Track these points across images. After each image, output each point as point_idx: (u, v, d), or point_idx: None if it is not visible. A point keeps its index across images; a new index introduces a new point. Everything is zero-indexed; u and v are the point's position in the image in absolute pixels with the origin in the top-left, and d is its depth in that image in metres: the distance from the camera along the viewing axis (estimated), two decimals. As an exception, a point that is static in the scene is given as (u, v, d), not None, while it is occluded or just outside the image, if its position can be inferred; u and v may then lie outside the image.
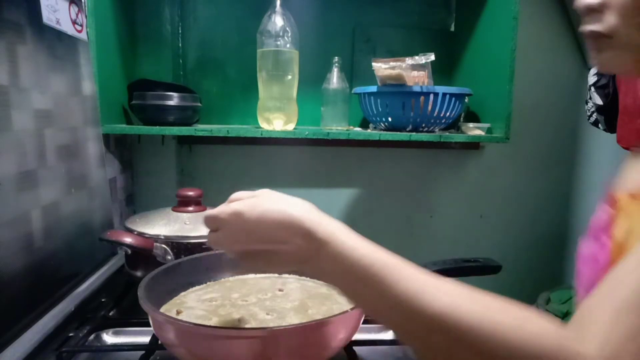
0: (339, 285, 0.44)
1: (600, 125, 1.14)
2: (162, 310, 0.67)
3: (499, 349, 0.35)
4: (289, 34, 1.11)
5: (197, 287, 0.76)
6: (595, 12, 0.47)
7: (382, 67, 1.17)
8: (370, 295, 0.41)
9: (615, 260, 0.43)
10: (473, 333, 0.35)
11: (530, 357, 0.34)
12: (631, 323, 0.33)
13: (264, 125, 1.18)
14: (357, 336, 0.66)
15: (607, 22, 0.46)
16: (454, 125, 1.35)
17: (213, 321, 0.65)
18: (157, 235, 0.85)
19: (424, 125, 1.22)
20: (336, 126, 1.28)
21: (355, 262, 0.41)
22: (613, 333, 0.33)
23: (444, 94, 1.17)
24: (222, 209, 0.48)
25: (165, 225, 0.88)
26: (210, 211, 0.50)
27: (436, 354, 0.38)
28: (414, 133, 1.21)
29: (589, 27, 0.48)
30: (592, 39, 0.48)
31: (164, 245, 0.84)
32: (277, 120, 1.17)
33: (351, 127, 1.38)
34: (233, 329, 0.59)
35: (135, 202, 1.35)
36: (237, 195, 0.51)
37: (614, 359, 0.33)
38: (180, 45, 1.36)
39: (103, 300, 0.87)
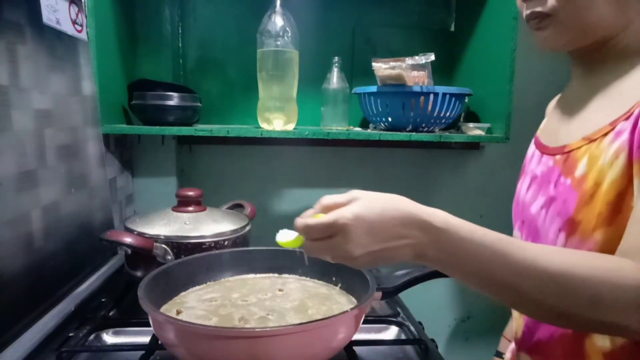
0: (459, 268, 0.48)
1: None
2: (162, 310, 0.67)
3: (603, 291, 0.45)
4: (289, 34, 1.11)
5: (197, 287, 0.76)
6: None
7: (382, 67, 1.16)
8: (495, 270, 0.47)
9: (594, 195, 0.53)
10: (585, 283, 0.45)
11: (628, 292, 0.45)
12: None
13: (264, 125, 1.18)
14: (357, 336, 0.66)
15: (549, 3, 0.56)
16: (454, 125, 1.34)
17: (213, 321, 0.65)
18: (157, 235, 0.85)
19: (424, 125, 1.22)
20: (336, 126, 1.28)
21: (477, 243, 0.47)
22: None
23: (444, 94, 1.17)
24: (340, 214, 0.46)
25: (165, 225, 0.88)
26: (322, 219, 0.47)
27: (554, 305, 0.47)
28: (414, 133, 1.21)
29: (533, 9, 0.58)
30: (536, 19, 0.58)
31: (164, 245, 0.84)
32: (277, 120, 1.17)
33: (351, 127, 1.38)
34: (233, 329, 0.59)
35: (135, 202, 1.35)
36: (331, 199, 0.49)
37: None
38: (180, 45, 1.36)
39: (103, 300, 0.87)
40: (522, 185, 0.71)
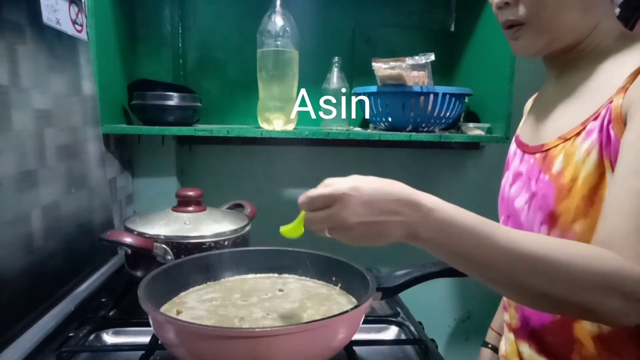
0: (449, 248, 0.50)
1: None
2: (162, 310, 0.67)
3: (580, 274, 0.47)
4: (289, 34, 1.11)
5: (197, 287, 0.76)
6: (509, 5, 0.61)
7: (382, 67, 1.16)
8: (482, 249, 0.49)
9: (571, 189, 0.57)
10: (563, 265, 0.47)
11: (601, 277, 0.47)
12: None
13: (264, 125, 1.18)
14: (357, 336, 0.66)
15: (521, 12, 0.60)
16: (454, 125, 1.34)
17: (213, 321, 0.65)
18: (157, 235, 0.85)
19: (424, 125, 1.22)
20: (336, 126, 1.28)
21: (466, 223, 0.49)
22: None
23: (444, 94, 1.17)
24: (339, 185, 0.50)
25: (165, 225, 0.88)
26: (320, 190, 0.51)
27: (534, 285, 0.48)
28: (414, 133, 1.21)
29: (507, 17, 0.61)
30: (511, 29, 0.62)
31: (164, 245, 0.84)
32: (277, 120, 1.17)
33: (351, 127, 1.38)
34: (233, 329, 0.59)
35: (135, 202, 1.35)
36: (332, 179, 0.53)
37: None
38: (180, 45, 1.36)
39: (103, 300, 0.87)
40: (506, 182, 0.75)
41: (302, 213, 0.56)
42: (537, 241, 0.49)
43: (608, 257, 0.48)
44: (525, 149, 0.70)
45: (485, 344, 0.93)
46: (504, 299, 0.76)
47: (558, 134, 0.62)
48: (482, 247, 0.49)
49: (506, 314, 0.74)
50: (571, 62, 0.64)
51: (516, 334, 0.70)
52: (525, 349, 0.67)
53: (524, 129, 0.74)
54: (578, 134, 0.58)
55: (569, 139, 0.59)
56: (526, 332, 0.68)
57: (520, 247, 0.48)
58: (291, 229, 0.58)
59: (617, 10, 0.65)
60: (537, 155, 0.65)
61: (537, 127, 0.69)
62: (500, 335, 0.91)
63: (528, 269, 0.48)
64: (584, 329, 0.59)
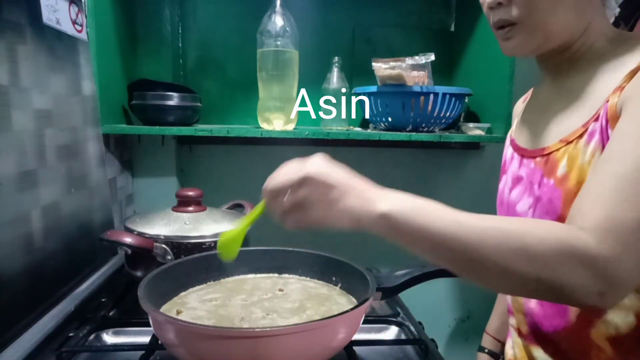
0: (407, 225, 0.50)
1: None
2: (162, 310, 0.67)
3: (531, 241, 0.46)
4: (289, 34, 1.11)
5: (197, 287, 0.76)
6: (502, 5, 0.60)
7: (382, 67, 1.16)
8: (437, 223, 0.49)
9: (578, 192, 0.54)
10: (512, 232, 0.47)
11: (551, 245, 0.46)
12: (624, 216, 0.45)
13: (264, 125, 1.18)
14: (357, 336, 0.66)
15: (514, 12, 0.59)
16: (454, 125, 1.34)
17: (213, 321, 0.65)
18: (157, 235, 0.85)
19: (424, 125, 1.22)
20: (336, 126, 1.28)
21: (419, 201, 0.50)
22: (607, 222, 0.46)
23: (444, 94, 1.17)
24: (310, 157, 0.54)
25: (165, 225, 0.88)
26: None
27: (493, 258, 0.47)
28: (414, 133, 1.21)
29: (499, 17, 0.61)
30: (503, 29, 0.62)
31: (164, 245, 0.84)
32: (277, 120, 1.17)
33: (351, 127, 1.38)
34: (233, 329, 0.59)
35: (135, 202, 1.35)
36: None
37: (613, 249, 0.45)
38: (180, 45, 1.36)
39: (103, 300, 0.87)
40: (505, 186, 0.74)
41: (243, 225, 0.61)
42: (487, 216, 0.50)
43: (563, 226, 0.48)
44: (524, 153, 0.69)
45: (482, 349, 0.91)
46: (508, 303, 0.75)
47: (559, 137, 0.61)
48: (438, 219, 0.49)
49: (512, 319, 0.73)
50: (566, 64, 0.63)
51: (527, 339, 0.69)
52: (539, 353, 0.66)
53: (520, 132, 0.73)
54: (580, 136, 0.57)
55: (571, 141, 0.59)
56: (538, 337, 0.66)
57: (472, 218, 0.49)
58: (228, 242, 0.61)
59: (617, 11, 0.64)
60: (538, 159, 0.64)
61: (535, 130, 0.68)
62: (496, 339, 0.90)
63: (477, 237, 0.47)
64: (600, 332, 0.58)
